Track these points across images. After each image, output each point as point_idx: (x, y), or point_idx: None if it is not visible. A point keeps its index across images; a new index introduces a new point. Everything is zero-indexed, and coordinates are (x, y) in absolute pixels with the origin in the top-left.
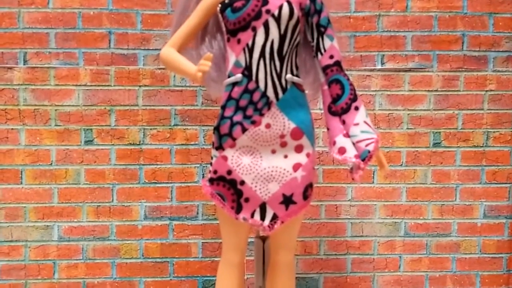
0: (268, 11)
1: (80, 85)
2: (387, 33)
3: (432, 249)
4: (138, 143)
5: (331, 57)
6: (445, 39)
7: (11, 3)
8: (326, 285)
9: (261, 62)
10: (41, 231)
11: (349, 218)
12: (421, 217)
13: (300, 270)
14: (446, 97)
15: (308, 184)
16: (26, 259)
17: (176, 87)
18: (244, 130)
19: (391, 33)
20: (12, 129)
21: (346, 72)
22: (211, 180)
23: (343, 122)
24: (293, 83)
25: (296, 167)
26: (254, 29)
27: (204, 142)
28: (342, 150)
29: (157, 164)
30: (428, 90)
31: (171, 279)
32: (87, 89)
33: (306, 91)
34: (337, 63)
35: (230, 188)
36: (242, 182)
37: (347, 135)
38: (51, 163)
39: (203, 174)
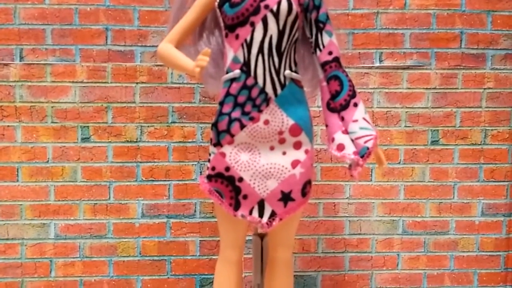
0: (266, 6)
1: (76, 82)
2: (385, 31)
3: (430, 247)
4: (135, 140)
5: (330, 53)
6: (443, 37)
7: None
8: (324, 283)
9: (260, 57)
10: (37, 229)
11: (347, 216)
12: (419, 215)
13: (298, 268)
14: (444, 95)
15: (306, 181)
16: (23, 257)
17: (174, 84)
18: (242, 126)
19: (389, 30)
20: (8, 126)
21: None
22: (209, 177)
23: (342, 119)
24: (292, 79)
25: (294, 164)
26: (253, 25)
27: (202, 139)
28: (340, 147)
29: (154, 162)
30: (426, 88)
31: (168, 277)
32: (84, 86)
33: (305, 89)
34: (336, 59)
35: (228, 185)
36: (241, 179)
37: (346, 132)
38: (48, 161)
39: (200, 172)
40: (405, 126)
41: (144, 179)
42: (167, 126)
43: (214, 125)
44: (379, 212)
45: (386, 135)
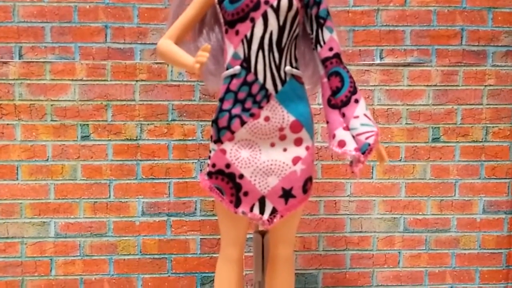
0: (266, 2)
1: (76, 80)
2: (386, 28)
3: (431, 244)
4: (135, 138)
5: (331, 49)
6: (444, 34)
7: None
8: (325, 281)
9: (260, 54)
10: (37, 227)
11: (348, 214)
12: (420, 213)
13: (299, 266)
14: (445, 92)
15: (307, 177)
16: (23, 255)
17: (174, 82)
18: (242, 123)
19: (390, 27)
20: (7, 124)
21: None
22: (209, 174)
23: (343, 115)
24: (292, 75)
25: (295, 160)
26: (253, 20)
27: (202, 137)
28: (341, 143)
29: (154, 160)
30: (427, 85)
31: (169, 276)
32: (83, 84)
33: (306, 86)
34: (337, 55)
35: (228, 182)
36: (241, 176)
37: (347, 128)
38: (47, 159)
39: (201, 170)
40: (406, 123)
41: (144, 177)
42: (167, 124)
43: (215, 122)
44: (380, 210)
45: (387, 133)
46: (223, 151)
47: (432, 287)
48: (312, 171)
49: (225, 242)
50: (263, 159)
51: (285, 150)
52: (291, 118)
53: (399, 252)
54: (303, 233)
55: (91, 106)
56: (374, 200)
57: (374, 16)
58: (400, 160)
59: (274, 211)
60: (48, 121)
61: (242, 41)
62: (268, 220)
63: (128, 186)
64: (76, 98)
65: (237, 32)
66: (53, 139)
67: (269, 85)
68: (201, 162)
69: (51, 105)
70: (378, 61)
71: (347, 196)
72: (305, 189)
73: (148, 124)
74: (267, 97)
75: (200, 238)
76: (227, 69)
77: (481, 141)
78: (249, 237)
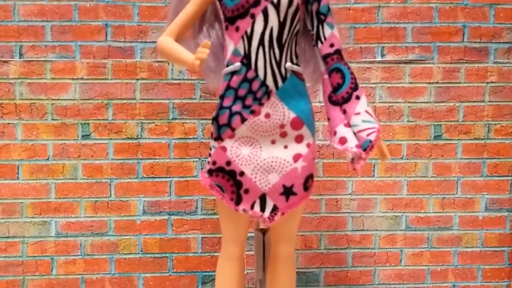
0: None
1: (76, 79)
2: (387, 25)
3: (434, 242)
4: (136, 137)
5: (332, 45)
6: (445, 31)
7: None
8: (327, 280)
9: (260, 50)
10: (38, 226)
11: (349, 212)
12: (422, 211)
13: (301, 265)
14: (447, 89)
15: (308, 175)
16: (24, 255)
17: (174, 80)
18: (243, 120)
19: (391, 24)
20: (8, 123)
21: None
22: (210, 171)
23: (344, 112)
24: (293, 72)
25: (296, 157)
26: (253, 17)
27: (203, 136)
28: (343, 140)
29: (155, 159)
30: (429, 82)
31: (170, 275)
32: (84, 83)
33: (306, 83)
34: (338, 52)
35: (229, 179)
36: (242, 173)
37: (348, 125)
38: (48, 158)
39: (201, 168)
40: (408, 121)
41: (145, 176)
42: (168, 122)
43: (215, 119)
44: (382, 208)
45: (388, 130)
46: (224, 149)
47: (434, 285)
48: (313, 168)
49: (226, 240)
50: (264, 156)
51: (286, 147)
52: (292, 115)
53: (401, 250)
54: (305, 231)
55: (92, 105)
56: (376, 198)
57: (375, 13)
58: (402, 158)
59: (275, 209)
60: (48, 120)
61: (242, 37)
62: (269, 218)
63: (129, 185)
64: (77, 97)
65: (237, 29)
66: (54, 138)
67: (269, 81)
68: (202, 160)
69: (52, 104)
70: (379, 59)
71: (349, 194)
72: (306, 187)
73: (148, 123)
74: (268, 93)
75: (201, 237)
76: (227, 66)
77: (483, 139)
78: (250, 236)
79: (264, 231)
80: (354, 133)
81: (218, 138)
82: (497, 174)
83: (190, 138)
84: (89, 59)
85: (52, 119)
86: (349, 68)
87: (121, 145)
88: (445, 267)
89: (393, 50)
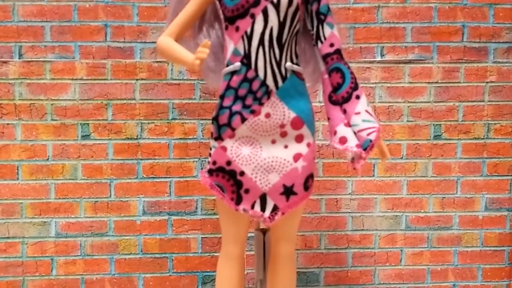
0: None
1: (76, 79)
2: (387, 25)
3: (434, 242)
4: (135, 137)
5: (332, 45)
6: (445, 31)
7: None
8: (327, 280)
9: (260, 50)
10: (38, 227)
11: (349, 212)
12: (422, 210)
13: (301, 265)
14: (447, 89)
15: (309, 174)
16: (23, 255)
17: (174, 81)
18: (243, 120)
19: (391, 24)
20: (7, 124)
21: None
22: (210, 171)
23: (344, 111)
24: (293, 72)
25: (296, 157)
26: (253, 16)
27: (203, 136)
28: (343, 140)
29: (155, 159)
30: (428, 82)
31: (170, 275)
32: (84, 83)
33: (306, 83)
34: (338, 51)
35: (229, 179)
36: (242, 173)
37: (348, 125)
38: (48, 158)
39: (201, 168)
40: (407, 120)
41: (145, 176)
42: (168, 122)
43: (215, 119)
44: (382, 208)
45: (388, 130)
46: (224, 148)
47: (434, 285)
48: (314, 168)
49: (226, 240)
50: (264, 156)
51: (286, 147)
52: (292, 114)
53: (401, 250)
54: (305, 231)
55: (91, 105)
56: (376, 198)
57: (374, 13)
58: (402, 158)
59: (275, 208)
60: (48, 120)
61: (242, 37)
62: (269, 218)
63: (129, 185)
64: (76, 97)
65: (237, 29)
66: (54, 139)
67: (269, 81)
68: (202, 160)
69: (51, 104)
70: (379, 59)
71: (349, 194)
72: (307, 186)
73: (148, 123)
74: (268, 93)
75: (201, 237)
76: (227, 65)
77: (483, 138)
78: (250, 236)
79: (264, 231)
80: (354, 133)
81: (218, 138)
82: (496, 174)
83: (190, 138)
84: (89, 59)
85: (52, 120)
86: (349, 67)
87: (121, 146)
88: (445, 266)
89: (393, 50)
